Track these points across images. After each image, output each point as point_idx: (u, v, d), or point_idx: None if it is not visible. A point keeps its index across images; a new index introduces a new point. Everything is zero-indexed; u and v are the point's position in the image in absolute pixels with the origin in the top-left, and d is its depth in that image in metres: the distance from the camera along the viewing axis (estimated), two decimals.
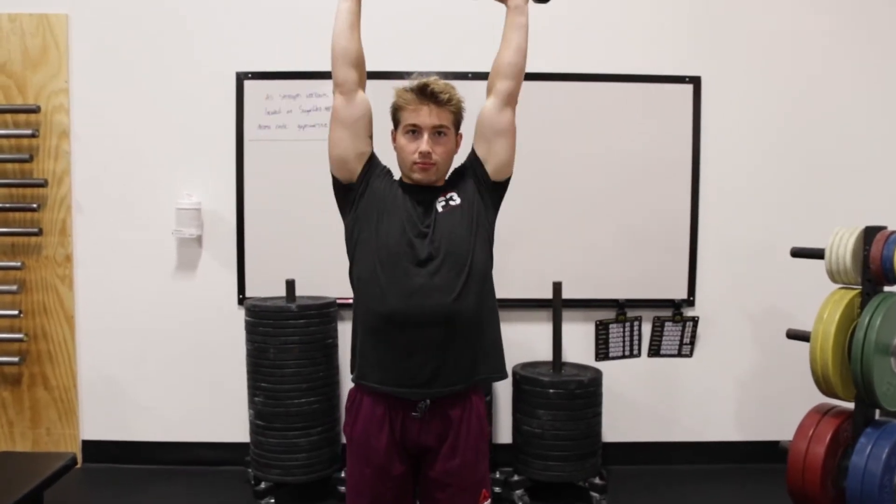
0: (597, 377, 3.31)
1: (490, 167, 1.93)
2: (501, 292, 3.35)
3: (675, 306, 3.64)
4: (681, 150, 3.59)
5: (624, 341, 3.67)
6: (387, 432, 1.86)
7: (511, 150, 1.94)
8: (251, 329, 3.23)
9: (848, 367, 2.62)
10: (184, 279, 3.59)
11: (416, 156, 1.84)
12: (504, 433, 3.61)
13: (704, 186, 3.61)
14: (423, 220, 1.86)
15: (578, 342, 3.63)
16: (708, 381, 3.72)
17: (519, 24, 1.92)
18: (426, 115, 1.83)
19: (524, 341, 3.56)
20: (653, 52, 3.59)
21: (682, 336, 3.67)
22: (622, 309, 3.63)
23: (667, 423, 3.73)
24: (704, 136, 3.59)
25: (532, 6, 1.97)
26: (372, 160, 1.93)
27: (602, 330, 3.64)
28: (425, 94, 1.82)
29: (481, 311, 1.87)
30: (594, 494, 3.27)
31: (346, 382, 3.53)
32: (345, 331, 3.44)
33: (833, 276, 2.71)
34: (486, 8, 3.42)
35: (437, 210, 1.88)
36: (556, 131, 3.54)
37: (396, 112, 1.89)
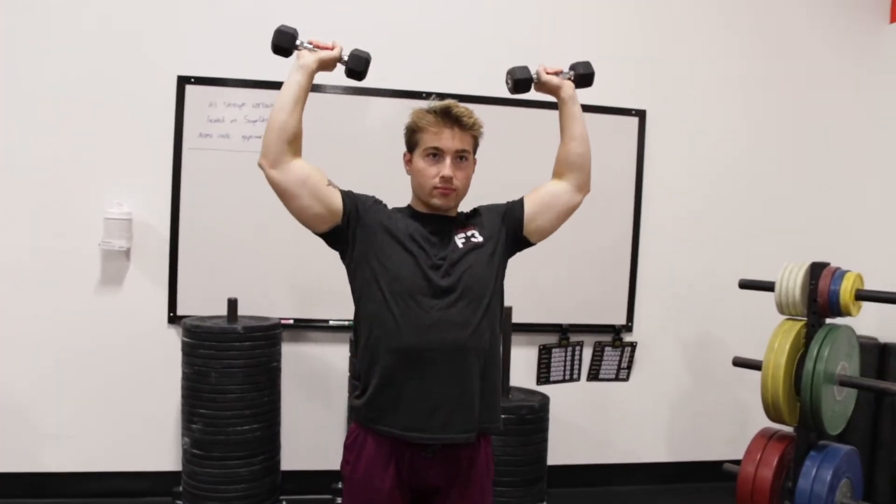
0: (545, 402, 3.32)
1: (532, 227, 1.90)
2: None
3: (616, 332, 3.72)
4: (625, 181, 3.69)
5: (565, 365, 3.72)
6: (392, 473, 1.75)
7: (558, 227, 1.97)
8: (190, 351, 3.01)
9: (793, 394, 2.76)
10: (108, 294, 3.30)
11: (437, 180, 1.75)
12: None
13: (646, 217, 3.73)
14: (438, 251, 1.77)
15: (521, 366, 3.63)
16: (643, 405, 3.82)
17: (577, 115, 1.94)
18: (449, 139, 1.75)
19: None
20: (600, 83, 3.66)
21: (619, 360, 3.76)
22: (565, 334, 3.67)
23: (604, 445, 3.80)
24: (647, 169, 3.71)
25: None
26: (348, 199, 1.78)
27: (545, 354, 3.67)
28: (449, 116, 1.75)
29: (494, 351, 1.81)
30: None
31: (289, 408, 3.44)
32: (289, 353, 3.32)
33: (781, 307, 2.85)
34: (460, 28, 3.39)
35: (455, 243, 1.80)
36: (501, 158, 3.49)
37: (414, 134, 1.79)
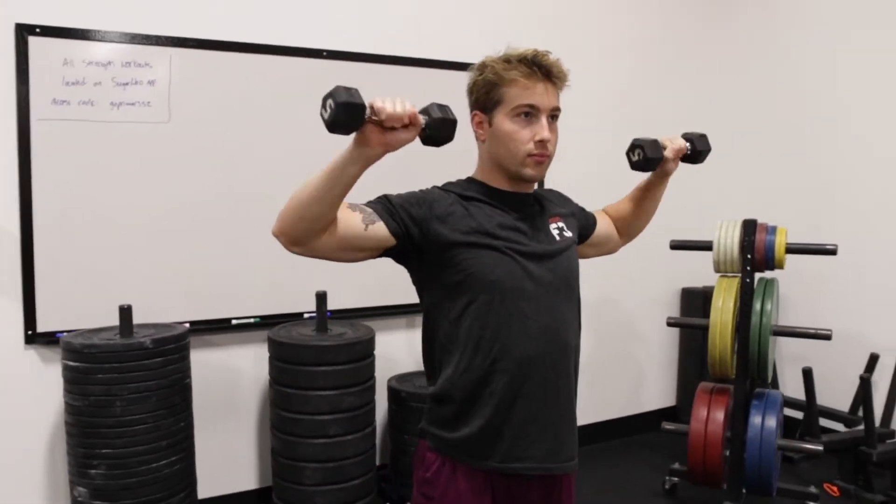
0: None
1: (581, 249, 1.69)
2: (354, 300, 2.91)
3: None
4: None
5: None
6: (488, 501, 1.47)
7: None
8: (78, 378, 2.37)
9: (732, 348, 2.88)
10: None
11: (532, 145, 1.43)
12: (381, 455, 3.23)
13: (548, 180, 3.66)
14: (532, 242, 1.47)
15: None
16: None
17: (661, 196, 1.81)
18: (543, 95, 1.42)
19: (383, 352, 3.20)
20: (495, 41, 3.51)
21: None
22: None
23: None
24: None
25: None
26: (397, 223, 1.37)
27: None
28: (541, 67, 1.42)
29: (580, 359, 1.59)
30: None
31: (204, 431, 2.88)
32: (199, 362, 2.77)
33: (718, 265, 2.95)
34: None
35: (552, 234, 1.53)
36: None
37: (495, 88, 1.43)
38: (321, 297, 2.86)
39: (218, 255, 2.88)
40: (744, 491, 2.91)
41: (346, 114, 1.15)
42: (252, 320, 2.97)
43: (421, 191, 1.47)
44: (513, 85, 1.42)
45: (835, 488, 3.29)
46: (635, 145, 1.64)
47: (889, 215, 3.49)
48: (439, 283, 1.44)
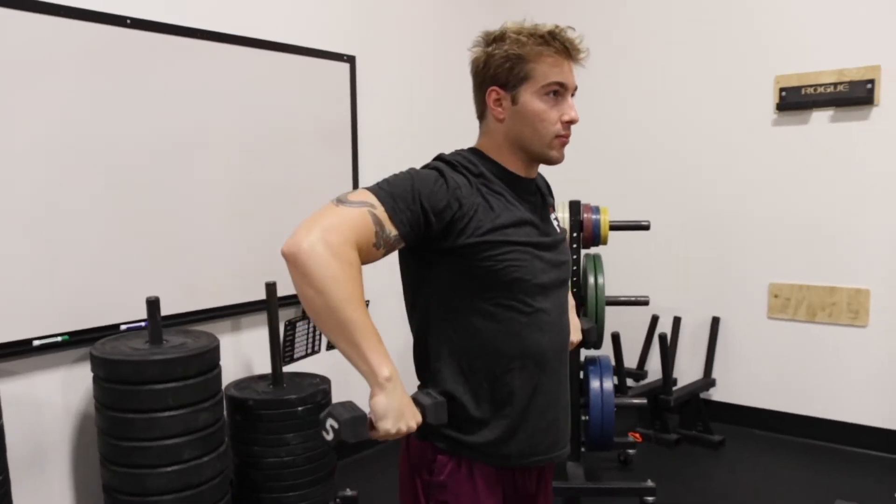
0: (326, 386, 2.98)
1: None
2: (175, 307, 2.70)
3: None
4: (341, 127, 3.46)
5: (307, 338, 3.36)
6: (500, 496, 1.42)
7: None
8: None
9: None
10: None
11: (560, 126, 1.35)
12: None
13: (364, 164, 3.57)
14: (542, 233, 1.39)
15: (259, 348, 3.15)
16: None
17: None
18: (570, 73, 1.35)
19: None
20: (314, 27, 3.33)
21: None
22: None
23: None
24: (361, 114, 3.54)
25: None
26: (407, 227, 1.25)
27: (290, 330, 3.25)
28: (564, 44, 1.34)
29: None
30: None
31: (18, 481, 2.30)
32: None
33: None
34: None
35: (553, 224, 1.46)
36: (202, 102, 2.89)
37: (520, 63, 1.32)
38: (154, 304, 2.46)
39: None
40: (582, 450, 3.15)
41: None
42: (60, 338, 2.46)
43: (438, 174, 1.30)
44: (541, 61, 1.33)
45: (637, 435, 3.71)
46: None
47: (662, 196, 4.02)
48: (450, 276, 1.33)
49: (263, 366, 3.14)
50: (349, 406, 1.16)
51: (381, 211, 1.22)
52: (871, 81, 3.50)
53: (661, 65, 4.08)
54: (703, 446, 3.69)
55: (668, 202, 4.10)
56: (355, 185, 3.50)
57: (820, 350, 3.70)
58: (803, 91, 3.68)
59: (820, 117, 3.66)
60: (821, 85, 3.63)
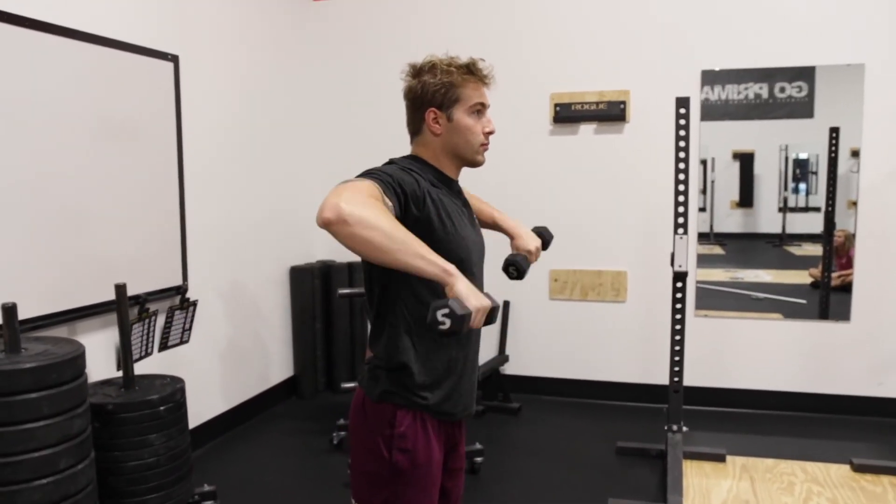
0: (182, 385, 2.97)
1: None
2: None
3: (181, 292, 3.48)
4: (166, 127, 3.40)
5: (142, 341, 3.27)
6: (443, 441, 1.75)
7: None
8: None
9: None
10: None
11: (483, 136, 1.72)
12: None
13: (189, 159, 3.55)
14: (469, 221, 1.75)
15: (93, 354, 3.03)
16: (204, 363, 3.72)
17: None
18: (485, 95, 1.72)
19: None
20: (136, 22, 3.24)
21: (184, 322, 3.54)
22: (144, 305, 3.22)
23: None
24: (186, 113, 3.52)
25: None
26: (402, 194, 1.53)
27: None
28: (480, 71, 1.70)
29: None
30: None
31: None
32: None
33: None
34: None
35: (471, 214, 1.82)
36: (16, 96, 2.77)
37: (452, 89, 1.66)
38: (10, 311, 2.31)
39: None
40: None
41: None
42: None
43: (403, 170, 1.58)
44: (466, 86, 1.68)
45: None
46: (509, 263, 1.83)
47: None
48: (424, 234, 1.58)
49: (100, 372, 3.03)
50: (456, 302, 1.33)
51: (378, 187, 1.47)
52: (623, 102, 4.33)
53: None
54: (505, 414, 4.25)
55: None
56: (181, 182, 3.46)
57: (592, 323, 4.47)
58: (573, 107, 4.41)
59: (586, 129, 4.41)
60: (586, 103, 4.39)
